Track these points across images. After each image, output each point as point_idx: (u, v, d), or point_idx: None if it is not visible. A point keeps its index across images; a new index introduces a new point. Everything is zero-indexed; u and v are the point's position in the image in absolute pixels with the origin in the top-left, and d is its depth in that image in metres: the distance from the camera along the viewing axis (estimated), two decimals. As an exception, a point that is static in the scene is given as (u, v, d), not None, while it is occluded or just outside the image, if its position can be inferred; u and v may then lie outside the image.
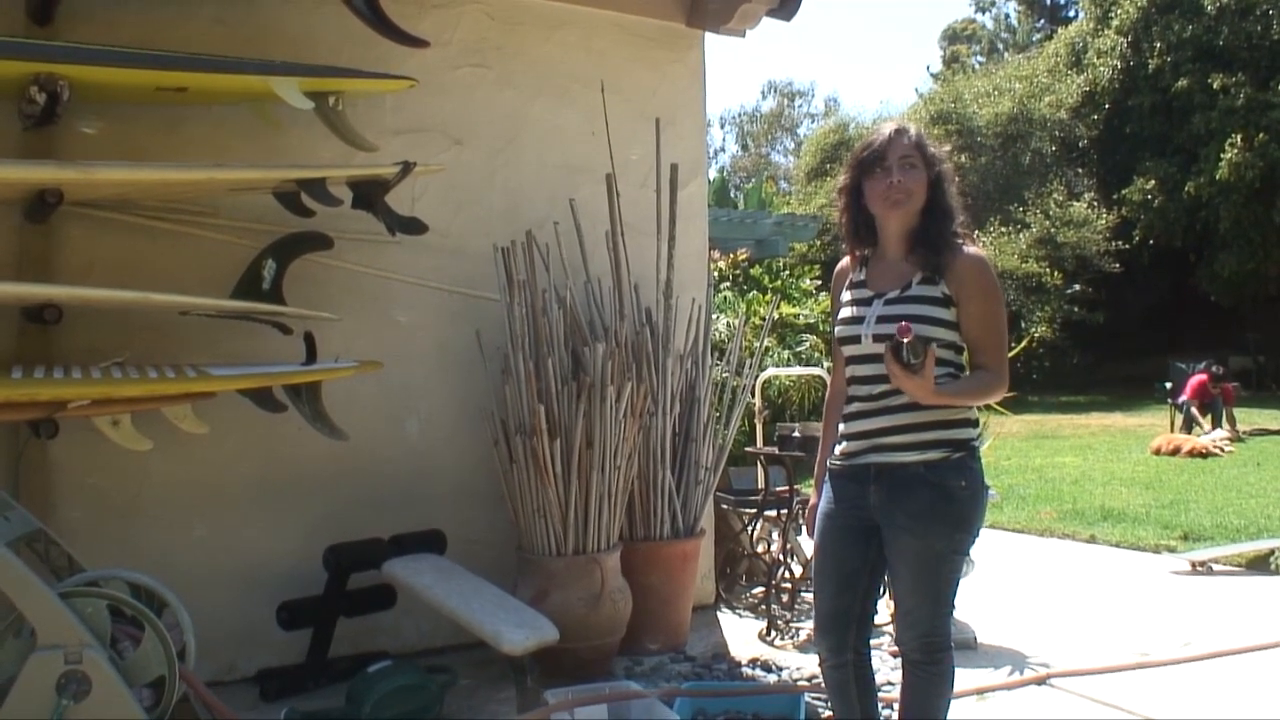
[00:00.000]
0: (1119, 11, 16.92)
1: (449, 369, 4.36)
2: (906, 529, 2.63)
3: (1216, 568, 5.94)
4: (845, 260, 2.87)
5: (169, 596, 3.01)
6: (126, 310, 3.66)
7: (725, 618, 4.98)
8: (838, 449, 2.80)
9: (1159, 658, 4.22)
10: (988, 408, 4.97)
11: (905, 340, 2.45)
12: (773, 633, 4.65)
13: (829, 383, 2.98)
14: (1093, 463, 10.27)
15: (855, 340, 2.70)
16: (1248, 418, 12.25)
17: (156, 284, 3.53)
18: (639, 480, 4.30)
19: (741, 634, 4.70)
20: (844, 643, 2.78)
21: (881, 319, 2.64)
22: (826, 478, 2.85)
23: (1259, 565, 5.91)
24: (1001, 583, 5.51)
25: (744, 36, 5.13)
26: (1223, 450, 10.84)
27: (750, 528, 5.31)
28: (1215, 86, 15.65)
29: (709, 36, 5.13)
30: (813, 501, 2.92)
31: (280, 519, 4.02)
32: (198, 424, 3.52)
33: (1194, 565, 5.95)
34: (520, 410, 4.02)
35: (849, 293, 2.79)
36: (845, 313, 2.76)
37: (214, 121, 3.87)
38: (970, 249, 2.69)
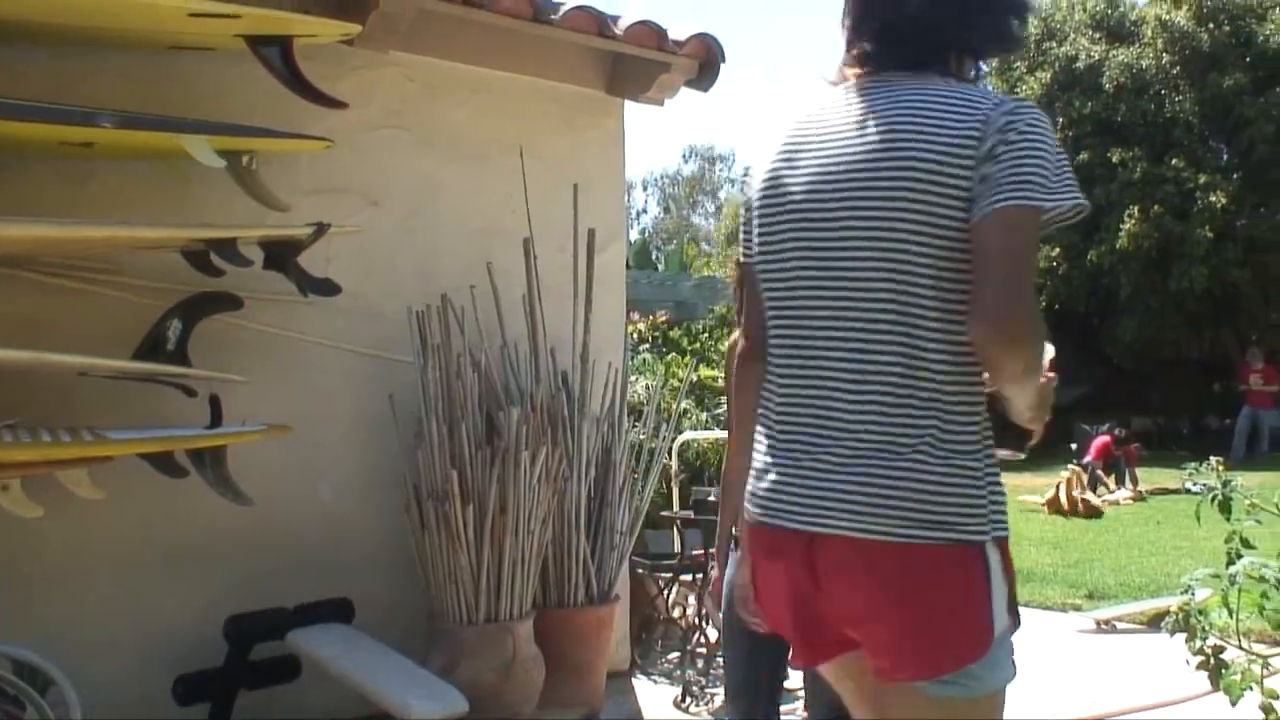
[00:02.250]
0: (1024, 88, 17.49)
1: (361, 433, 4.28)
2: None
3: (1120, 625, 6.04)
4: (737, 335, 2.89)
5: (55, 673, 2.88)
6: (23, 371, 3.54)
7: (640, 684, 4.92)
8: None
9: (1066, 717, 4.28)
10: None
11: None
12: (688, 699, 4.61)
13: (726, 457, 2.98)
14: (1018, 522, 10.42)
15: None
16: (1149, 477, 12.56)
17: (56, 343, 3.42)
18: (553, 545, 4.25)
19: (657, 700, 4.65)
20: (754, 711, 2.79)
21: None
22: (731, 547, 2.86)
23: (1160, 622, 6.03)
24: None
25: (662, 105, 5.19)
26: (1104, 505, 11.22)
27: (666, 592, 5.28)
28: (1114, 160, 16.24)
29: (630, 103, 5.19)
30: (717, 574, 2.92)
31: (182, 587, 3.88)
32: (94, 489, 3.40)
33: (1099, 624, 6.05)
34: (433, 475, 3.96)
35: None
36: None
37: (121, 175, 3.79)
38: None
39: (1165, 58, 16.54)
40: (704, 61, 4.87)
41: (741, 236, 1.96)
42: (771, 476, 1.76)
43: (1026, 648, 2.65)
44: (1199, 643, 1.89)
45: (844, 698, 1.87)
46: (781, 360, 1.80)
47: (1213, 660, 1.86)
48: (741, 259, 1.96)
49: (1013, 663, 1.72)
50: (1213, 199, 15.28)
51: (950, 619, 1.64)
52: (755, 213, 1.84)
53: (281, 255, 3.72)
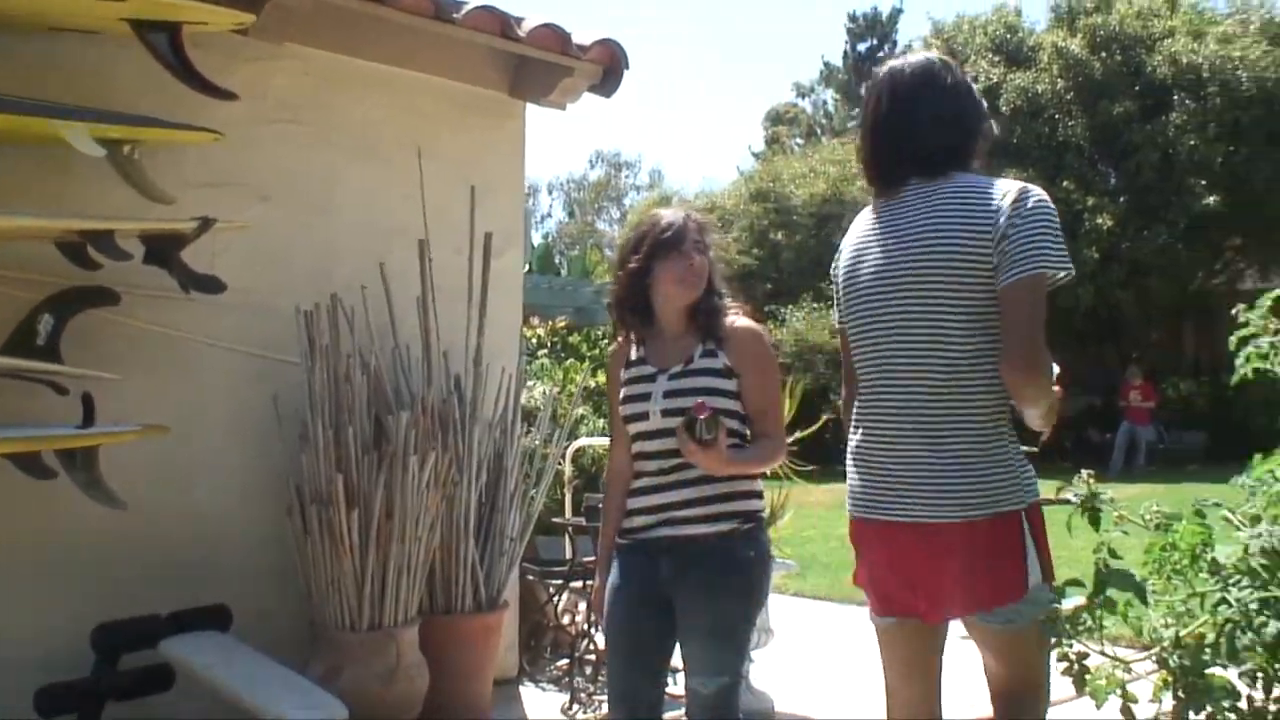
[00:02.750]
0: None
1: (242, 435, 4.17)
2: (699, 601, 2.69)
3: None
4: (618, 343, 2.94)
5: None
6: (-118, 363, 3.37)
7: (528, 692, 4.89)
8: (625, 524, 2.82)
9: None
10: (789, 478, 5.08)
11: (701, 417, 2.50)
12: (575, 706, 4.59)
13: (609, 466, 3.01)
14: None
15: (643, 417, 2.75)
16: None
17: (-82, 336, 3.27)
18: (441, 551, 4.20)
19: (544, 708, 4.62)
20: (636, 715, 2.79)
21: (669, 394, 2.71)
22: (614, 555, 2.86)
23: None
24: (801, 651, 5.59)
25: (565, 110, 5.17)
26: None
27: (556, 599, 5.25)
28: (1009, 180, 16.67)
29: (535, 105, 5.15)
30: (598, 583, 2.93)
31: (48, 594, 3.73)
32: (-45, 489, 3.25)
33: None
34: (317, 479, 3.87)
35: (629, 372, 2.84)
36: (629, 391, 2.81)
37: (-6, 163, 3.64)
38: (744, 321, 2.81)
39: (1060, 83, 17.03)
40: (608, 67, 4.87)
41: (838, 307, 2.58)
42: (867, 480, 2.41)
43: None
44: (1065, 649, 1.94)
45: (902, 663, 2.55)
46: (867, 395, 2.43)
47: (1077, 666, 1.91)
48: (837, 325, 2.59)
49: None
50: (1100, 221, 15.76)
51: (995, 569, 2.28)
52: (841, 292, 2.51)
53: (164, 250, 3.61)
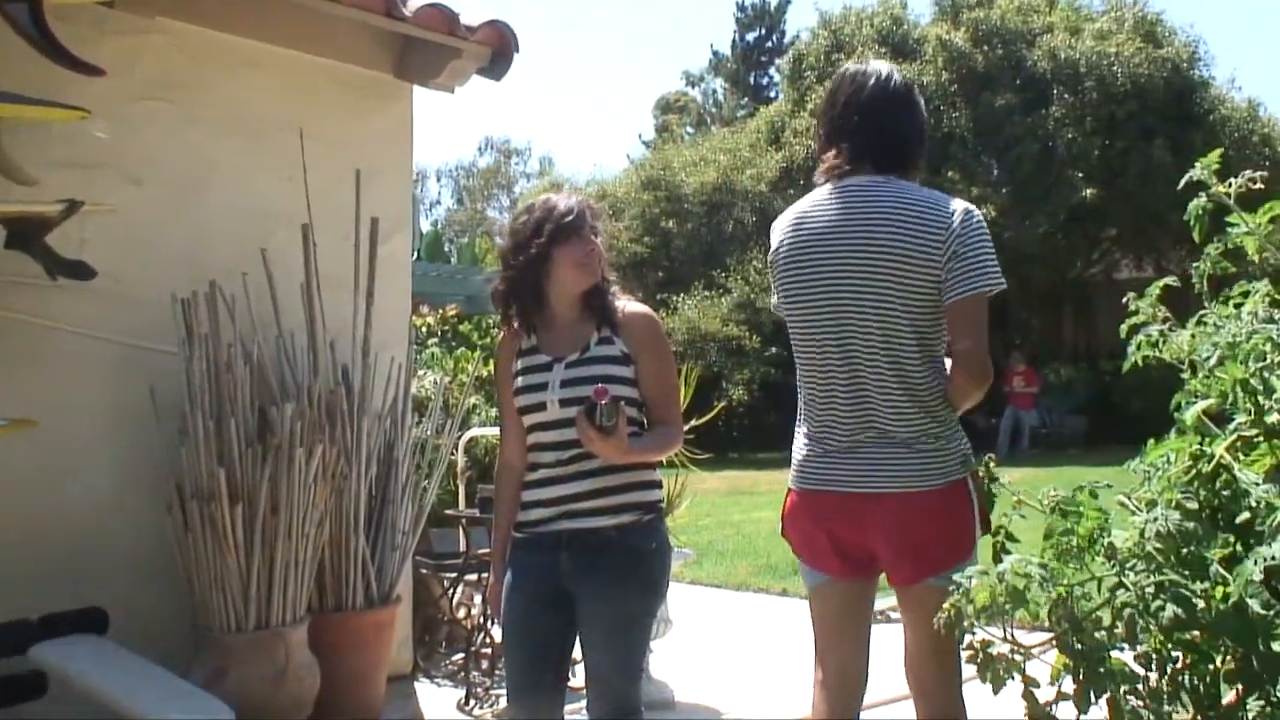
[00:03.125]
0: (813, 96, 18.06)
1: (117, 429, 3.97)
2: (601, 594, 2.64)
3: (894, 615, 6.26)
4: (507, 332, 2.84)
5: None
6: None
7: (423, 688, 4.78)
8: (522, 517, 2.75)
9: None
10: (684, 465, 5.06)
11: (601, 402, 2.44)
12: (472, 701, 4.51)
13: (500, 459, 2.91)
14: (787, 519, 10.70)
15: (540, 408, 2.68)
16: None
17: None
18: (330, 547, 4.06)
19: (440, 704, 4.53)
20: (537, 713, 2.74)
21: (566, 383, 2.64)
22: (510, 550, 2.79)
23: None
24: (699, 639, 5.58)
25: (453, 93, 5.06)
26: None
27: (451, 592, 5.14)
28: (896, 170, 16.98)
29: (424, 90, 5.02)
30: (493, 580, 2.85)
31: (-95, 598, 3.51)
32: None
33: (876, 614, 6.25)
34: (199, 473, 3.70)
35: (522, 361, 2.75)
36: (523, 381, 2.72)
37: None
38: (637, 306, 2.77)
39: (944, 75, 17.37)
40: (497, 50, 4.76)
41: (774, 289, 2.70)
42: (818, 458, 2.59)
43: (809, 640, 2.71)
44: (969, 637, 1.93)
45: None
46: (810, 383, 2.62)
47: (981, 654, 1.89)
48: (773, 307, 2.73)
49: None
50: (984, 211, 16.08)
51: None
52: (779, 280, 2.65)
53: (26, 234, 3.42)
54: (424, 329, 10.00)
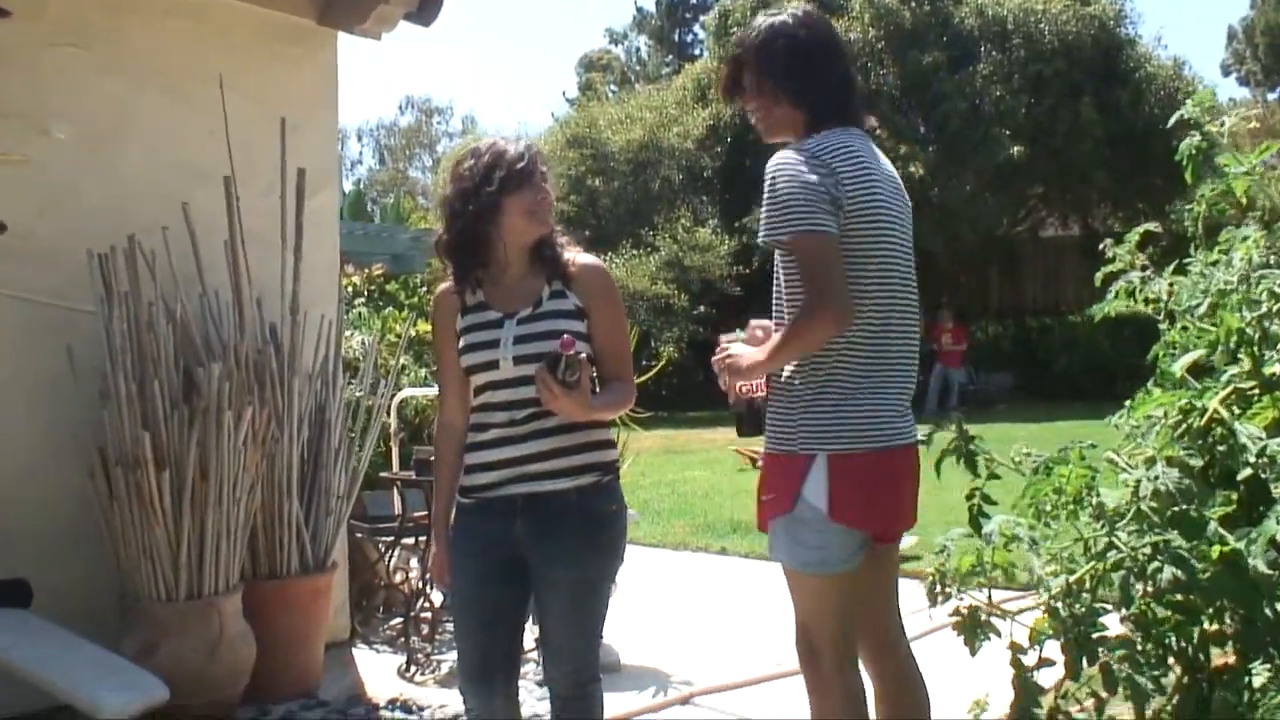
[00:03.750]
0: (717, 78, 17.99)
1: (34, 392, 3.76)
2: (560, 560, 2.52)
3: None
4: (446, 286, 2.67)
5: None
6: None
7: (361, 654, 4.66)
8: (468, 481, 2.61)
9: (791, 666, 4.36)
10: (623, 424, 4.99)
11: (568, 354, 2.33)
12: (413, 668, 4.40)
13: (439, 420, 2.75)
14: (720, 476, 10.69)
15: (492, 366, 2.53)
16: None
17: None
18: (262, 513, 3.92)
19: (380, 671, 4.41)
20: (493, 688, 2.63)
21: (520, 339, 2.51)
22: (454, 516, 2.65)
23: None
24: (642, 601, 5.52)
25: (380, 39, 4.86)
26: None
27: (387, 556, 5.02)
28: (822, 126, 16.97)
29: (344, 39, 4.82)
30: (437, 549, 2.70)
31: None
32: None
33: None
34: (122, 438, 3.53)
35: (468, 319, 2.60)
36: (471, 339, 2.57)
37: None
38: (587, 257, 2.64)
39: (871, 32, 17.38)
40: (426, -8, 4.57)
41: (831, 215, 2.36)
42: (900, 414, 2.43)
43: (750, 599, 2.64)
44: (955, 603, 1.88)
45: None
46: (885, 333, 2.41)
47: (970, 620, 1.84)
48: (829, 231, 2.33)
49: None
50: (911, 169, 16.20)
51: None
52: (865, 210, 2.38)
53: (-71, 185, 3.19)
54: (349, 289, 9.79)
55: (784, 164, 2.34)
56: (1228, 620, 1.85)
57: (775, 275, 2.48)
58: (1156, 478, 1.75)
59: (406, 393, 5.92)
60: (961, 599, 2.04)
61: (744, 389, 2.51)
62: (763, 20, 2.53)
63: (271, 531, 3.97)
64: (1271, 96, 26.88)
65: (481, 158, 2.56)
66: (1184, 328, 2.19)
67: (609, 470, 2.60)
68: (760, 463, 2.54)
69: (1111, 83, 17.03)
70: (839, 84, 2.51)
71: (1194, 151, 2.27)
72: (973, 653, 1.87)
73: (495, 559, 2.57)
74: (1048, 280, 19.20)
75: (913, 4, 17.57)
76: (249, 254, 4.02)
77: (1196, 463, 1.84)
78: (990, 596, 2.06)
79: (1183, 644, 1.90)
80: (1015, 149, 16.46)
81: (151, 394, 3.54)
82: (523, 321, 2.53)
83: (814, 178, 2.32)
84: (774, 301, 2.50)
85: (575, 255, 2.62)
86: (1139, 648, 1.83)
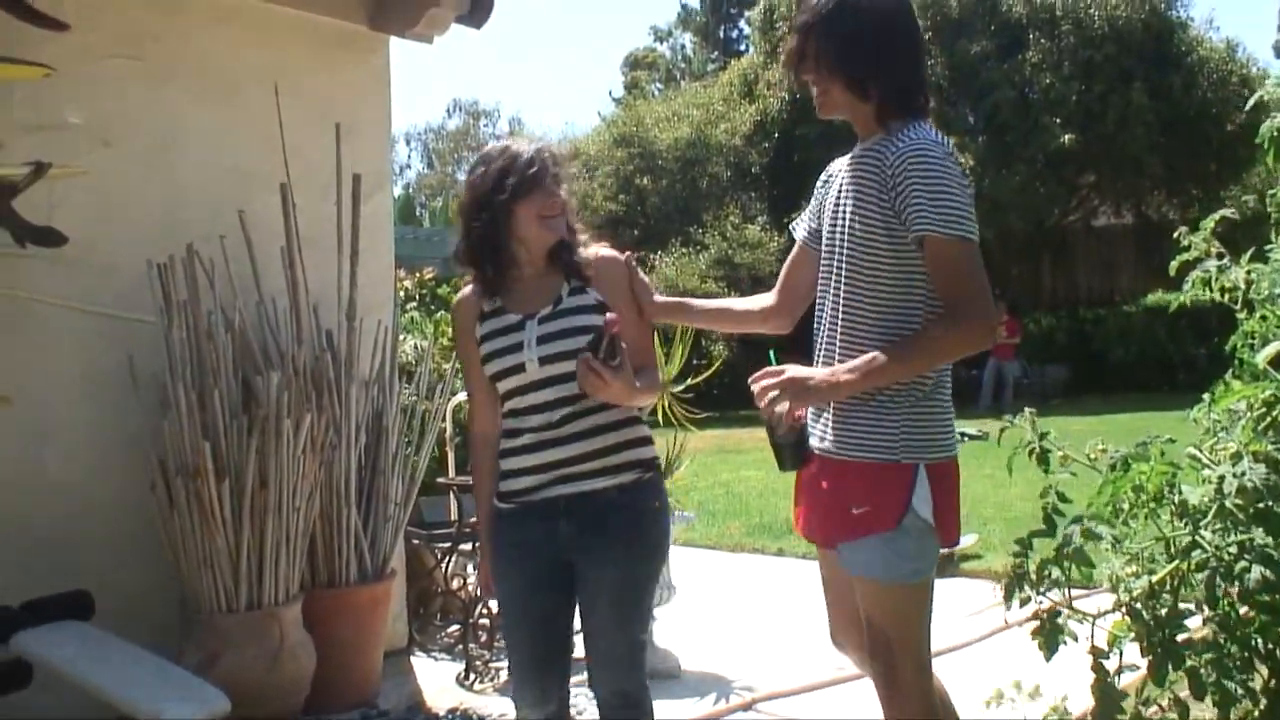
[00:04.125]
0: (785, 46, 17.85)
1: (95, 402, 3.78)
2: (608, 559, 2.50)
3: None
4: (466, 292, 2.64)
5: None
6: None
7: (420, 662, 4.65)
8: (507, 487, 2.58)
9: (852, 672, 4.28)
10: (682, 425, 4.94)
11: (613, 332, 2.32)
12: (471, 675, 4.38)
13: (472, 430, 2.73)
14: (774, 476, 10.55)
15: (518, 370, 2.50)
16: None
17: None
18: (321, 521, 3.91)
19: (438, 679, 4.40)
20: (548, 695, 2.61)
21: (543, 339, 2.48)
22: (496, 522, 2.62)
23: (941, 566, 6.21)
24: (700, 604, 5.47)
25: (431, 43, 4.84)
26: None
27: (445, 563, 5.00)
28: (873, 119, 16.81)
29: (395, 44, 4.80)
30: (484, 558, 2.67)
31: (-123, 587, 3.33)
32: None
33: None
34: (182, 448, 3.53)
35: (487, 325, 2.57)
36: (494, 346, 2.54)
37: None
38: (604, 250, 2.60)
39: (920, 22, 17.15)
40: (476, -5, 4.54)
41: None
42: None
43: (808, 601, 2.59)
44: (1035, 606, 1.81)
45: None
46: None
47: (1049, 624, 1.77)
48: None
49: None
50: (962, 160, 15.98)
51: None
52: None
53: (-9, 199, 3.20)
54: (402, 293, 9.82)
55: (940, 157, 2.24)
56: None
57: (837, 273, 2.37)
58: (1243, 474, 1.67)
59: (461, 397, 5.90)
60: (1041, 601, 1.97)
61: (799, 415, 2.30)
62: None
63: (330, 540, 3.96)
64: (1329, 78, 26.23)
65: (493, 163, 2.53)
66: (1263, 317, 2.10)
67: (650, 467, 2.58)
68: (814, 467, 2.39)
69: (1164, 67, 16.71)
70: (906, 71, 2.38)
71: (1276, 134, 2.17)
72: (1048, 658, 1.80)
73: (541, 564, 2.54)
74: (1102, 270, 18.89)
75: (960, -8, 17.37)
76: (304, 260, 4.01)
77: (1287, 457, 1.76)
78: (1070, 597, 1.98)
79: (1269, 645, 1.82)
80: (1066, 137, 16.21)
81: (211, 404, 3.54)
82: (544, 320, 2.51)
83: (965, 180, 2.27)
84: (838, 301, 2.37)
85: (594, 249, 2.60)
86: (1224, 650, 1.76)
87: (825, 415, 2.37)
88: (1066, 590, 1.82)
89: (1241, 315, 2.18)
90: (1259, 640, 1.80)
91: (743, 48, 31.22)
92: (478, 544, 4.72)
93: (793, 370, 2.27)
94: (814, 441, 2.36)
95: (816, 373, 2.28)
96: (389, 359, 4.33)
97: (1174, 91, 16.53)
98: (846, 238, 2.34)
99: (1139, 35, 16.67)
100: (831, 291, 2.39)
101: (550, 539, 2.52)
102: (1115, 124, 16.28)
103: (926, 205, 2.19)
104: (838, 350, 2.34)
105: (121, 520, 3.78)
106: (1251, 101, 2.35)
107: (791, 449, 2.31)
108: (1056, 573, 1.78)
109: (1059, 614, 1.78)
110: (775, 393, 2.23)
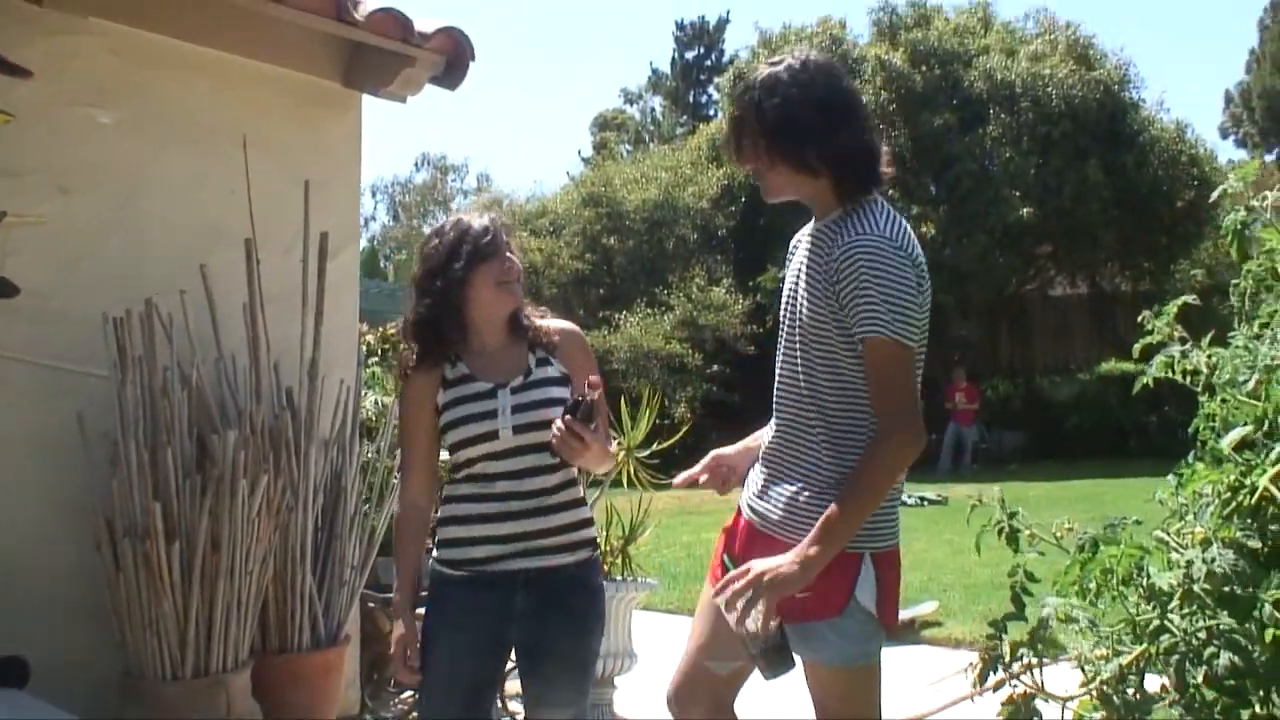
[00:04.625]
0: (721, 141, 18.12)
1: (41, 458, 3.67)
2: (567, 632, 2.55)
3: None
4: (417, 362, 2.65)
5: None
6: None
7: (370, 730, 4.51)
8: (458, 555, 2.57)
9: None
10: (644, 486, 4.90)
11: (594, 397, 2.36)
12: (423, 745, 4.24)
13: (403, 498, 2.71)
14: (734, 540, 10.55)
15: (489, 437, 2.52)
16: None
17: None
18: (275, 585, 3.80)
19: (388, 748, 4.26)
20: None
21: (518, 409, 2.52)
22: (438, 588, 2.63)
23: (901, 634, 6.15)
24: (662, 672, 5.34)
25: (405, 102, 4.83)
26: None
27: (399, 627, 4.87)
28: (837, 188, 17.02)
29: (367, 99, 4.78)
30: (400, 633, 2.59)
31: None
32: None
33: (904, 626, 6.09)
34: (131, 508, 3.43)
35: (452, 392, 2.58)
36: (461, 412, 2.55)
37: None
38: (559, 322, 2.69)
39: (883, 95, 17.47)
40: (452, 57, 4.53)
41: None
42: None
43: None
44: (1009, 690, 1.77)
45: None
46: None
47: (1024, 709, 1.73)
48: (917, 345, 2.27)
49: None
50: (924, 229, 16.21)
51: None
52: (925, 309, 2.29)
53: (-56, 248, 3.12)
54: (363, 348, 9.73)
55: (884, 253, 2.17)
56: (1276, 702, 1.77)
57: (786, 354, 2.37)
58: (1213, 560, 1.67)
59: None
60: (1015, 685, 1.94)
61: (776, 616, 2.15)
62: (759, 73, 2.33)
63: (283, 604, 3.85)
64: (1269, 158, 26.97)
65: (446, 235, 2.60)
66: (1223, 400, 2.11)
67: (595, 545, 2.70)
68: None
69: (1117, 145, 17.17)
70: (849, 137, 2.27)
71: (1239, 226, 2.21)
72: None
73: (483, 633, 2.56)
74: (1057, 338, 19.18)
75: (923, 68, 17.72)
76: (266, 316, 3.94)
77: (1255, 545, 1.75)
78: (1041, 678, 1.95)
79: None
80: (1025, 210, 16.53)
81: (164, 462, 3.45)
82: (516, 391, 2.55)
83: (912, 279, 2.20)
84: (789, 379, 2.36)
85: (550, 323, 2.68)
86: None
87: (773, 490, 2.34)
88: (1039, 673, 1.79)
89: (1203, 398, 2.20)
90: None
91: (711, 112, 31.62)
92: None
93: (758, 565, 2.16)
94: (763, 513, 2.34)
95: (782, 560, 2.15)
96: (350, 418, 4.25)
97: (1127, 169, 16.96)
98: (801, 319, 2.32)
99: (1094, 114, 17.11)
100: (797, 361, 2.34)
101: (503, 610, 2.53)
102: (1071, 198, 16.62)
103: (862, 306, 2.16)
104: (814, 423, 2.31)
105: (64, 583, 3.66)
106: (1216, 194, 2.39)
107: (774, 654, 2.19)
108: (1030, 656, 1.75)
109: (1034, 698, 1.75)
110: (747, 596, 2.13)
